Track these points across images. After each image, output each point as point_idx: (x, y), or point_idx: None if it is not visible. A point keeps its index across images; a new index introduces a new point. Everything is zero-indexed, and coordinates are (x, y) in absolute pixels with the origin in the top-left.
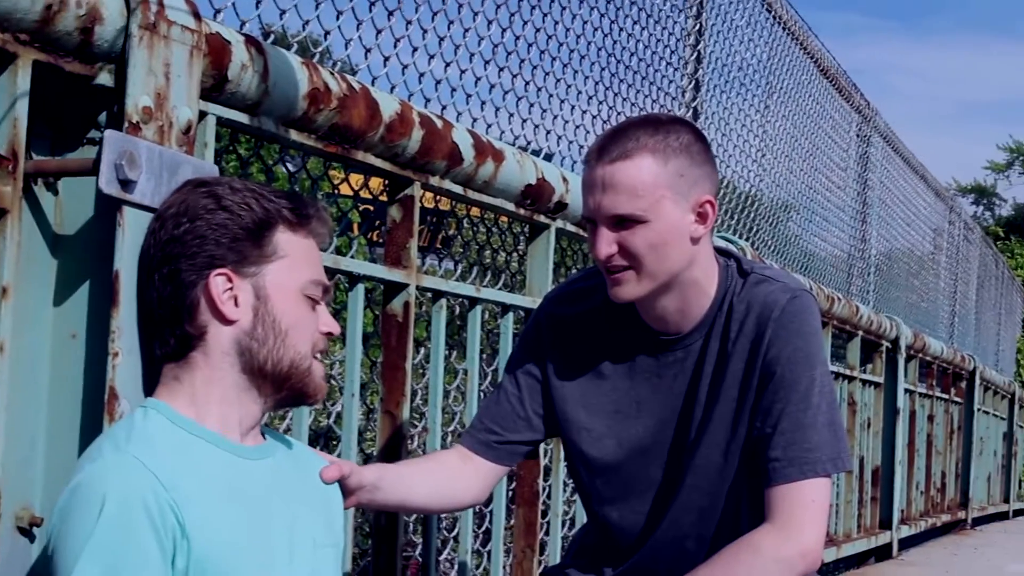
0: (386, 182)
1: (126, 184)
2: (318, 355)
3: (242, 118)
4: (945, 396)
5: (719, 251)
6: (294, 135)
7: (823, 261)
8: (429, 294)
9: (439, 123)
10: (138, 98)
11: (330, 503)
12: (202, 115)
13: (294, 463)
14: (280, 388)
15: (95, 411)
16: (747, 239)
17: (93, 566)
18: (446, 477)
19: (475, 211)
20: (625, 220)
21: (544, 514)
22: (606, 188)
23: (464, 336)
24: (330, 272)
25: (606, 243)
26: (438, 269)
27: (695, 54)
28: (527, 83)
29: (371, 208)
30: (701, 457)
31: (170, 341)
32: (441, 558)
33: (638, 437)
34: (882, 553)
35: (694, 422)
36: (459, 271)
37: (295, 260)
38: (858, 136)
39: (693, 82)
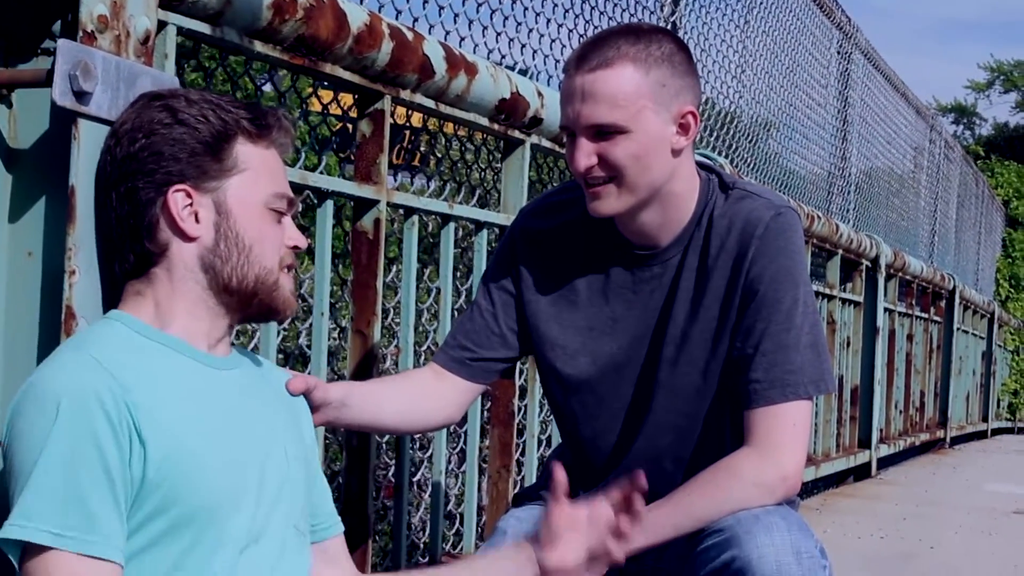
0: (356, 96)
1: (81, 96)
2: (285, 269)
3: (204, 28)
4: (925, 315)
5: (700, 165)
6: (259, 47)
7: (803, 179)
8: (401, 211)
9: (410, 35)
10: (93, 6)
11: (298, 416)
12: (161, 25)
13: (262, 377)
14: (247, 304)
15: (53, 331)
16: (727, 156)
17: (52, 467)
18: (418, 395)
19: (449, 127)
20: (605, 131)
21: (520, 434)
22: (586, 97)
23: (438, 254)
24: (297, 188)
25: (585, 154)
26: (411, 186)
27: None
28: None
29: (349, 128)
30: (678, 376)
31: (129, 258)
32: (415, 479)
33: (612, 354)
34: (861, 472)
35: (669, 340)
36: (432, 188)
37: (257, 173)
38: (839, 53)
39: None
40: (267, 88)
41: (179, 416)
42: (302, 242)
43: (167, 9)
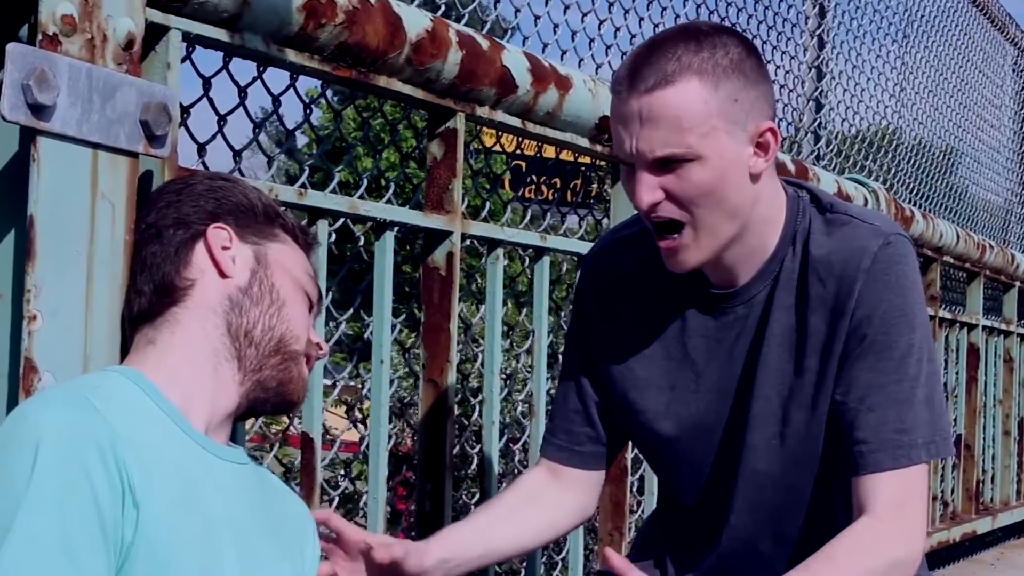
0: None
1: (40, 110)
2: (305, 358)
3: (218, 34)
4: None
5: (788, 182)
6: (292, 56)
7: (974, 206)
8: (485, 245)
9: (484, 44)
10: (55, 5)
11: (303, 542)
12: (162, 30)
13: (263, 491)
14: (263, 366)
15: (14, 386)
16: (884, 181)
17: (37, 524)
18: (533, 512)
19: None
20: (670, 161)
21: (637, 490)
22: (644, 123)
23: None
24: (353, 218)
25: (648, 189)
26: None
27: None
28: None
29: (522, 165)
30: (771, 438)
31: (145, 290)
32: None
33: (699, 415)
34: None
35: (759, 395)
36: (528, 217)
37: (296, 253)
38: (1014, 71)
39: (817, 6)
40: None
41: (171, 501)
42: (325, 348)
43: (166, 11)
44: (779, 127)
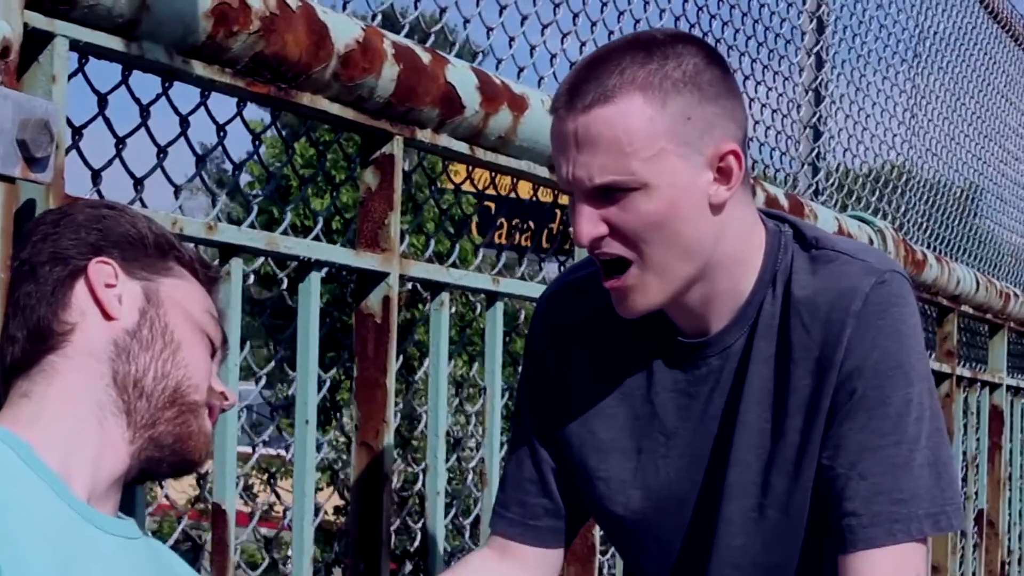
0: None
1: None
2: (207, 410)
3: (112, 43)
4: None
5: (767, 214)
6: (199, 69)
7: (997, 249)
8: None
9: (425, 57)
10: None
11: None
12: (48, 37)
13: (159, 572)
14: (156, 421)
15: None
16: (894, 220)
17: None
18: None
19: None
20: (612, 190)
21: (603, 570)
22: (581, 146)
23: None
24: (273, 257)
25: (588, 222)
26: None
27: None
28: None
29: (491, 206)
30: (751, 510)
31: (18, 337)
32: None
33: (669, 484)
34: None
35: (737, 460)
36: (480, 258)
37: (195, 289)
38: None
39: (815, 21)
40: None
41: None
42: (232, 397)
43: (51, 15)
44: (772, 157)
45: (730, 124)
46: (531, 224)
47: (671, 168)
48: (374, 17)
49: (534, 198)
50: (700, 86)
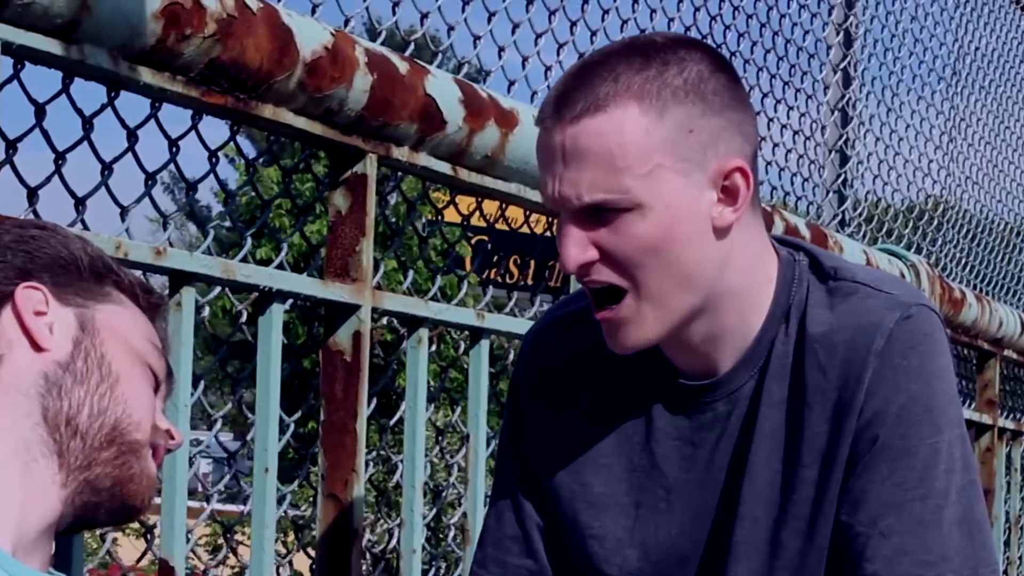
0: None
1: None
2: (151, 450)
3: (49, 46)
4: None
5: (781, 241)
6: (148, 76)
7: None
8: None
9: (402, 66)
10: None
11: None
12: None
13: None
14: (92, 463)
15: None
16: (929, 255)
17: None
18: None
19: None
20: (603, 210)
21: None
22: (569, 160)
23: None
24: (230, 286)
25: (576, 246)
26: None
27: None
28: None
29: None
30: (762, 570)
31: None
32: None
33: (671, 542)
34: None
35: (746, 515)
36: (464, 292)
37: (135, 317)
38: None
39: (841, 33)
40: None
41: None
42: (179, 437)
43: None
44: (793, 183)
45: (737, 138)
46: (531, 260)
47: (669, 186)
48: (347, 23)
49: (532, 232)
50: (704, 95)
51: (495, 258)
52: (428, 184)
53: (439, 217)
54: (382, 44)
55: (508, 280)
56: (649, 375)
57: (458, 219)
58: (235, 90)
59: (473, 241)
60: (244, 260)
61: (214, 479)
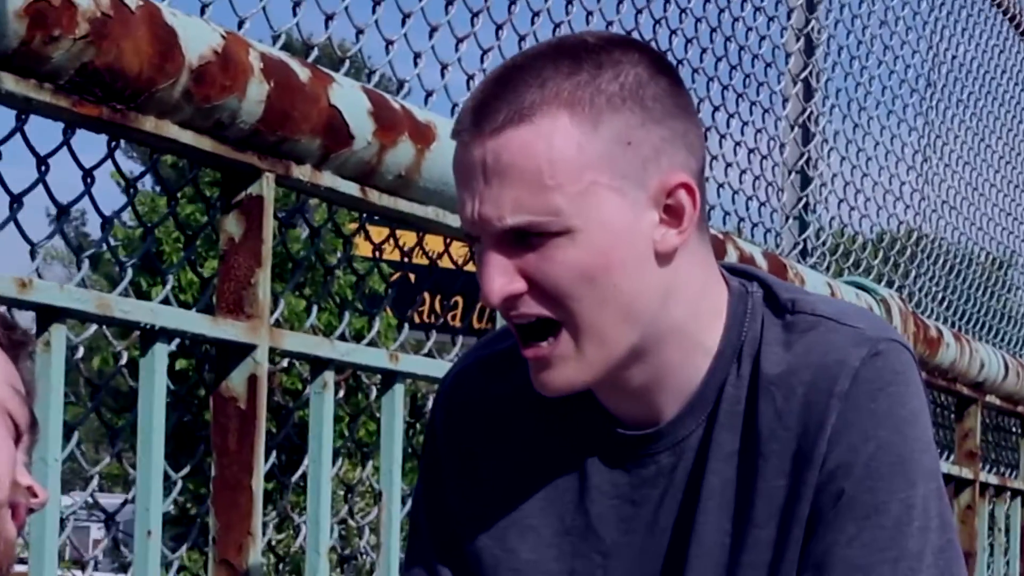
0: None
1: None
2: (10, 509)
3: None
4: None
5: (731, 269)
6: (10, 83)
7: None
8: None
9: (303, 73)
10: None
11: None
12: None
13: None
14: None
15: None
16: (901, 288)
17: None
18: None
19: None
20: (529, 233)
21: None
22: (490, 178)
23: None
24: (107, 323)
25: (499, 274)
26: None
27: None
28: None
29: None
30: None
31: None
32: None
33: None
34: None
35: None
36: (376, 329)
37: None
38: None
39: (802, 39)
40: None
41: None
42: (41, 493)
43: None
44: (748, 208)
45: (681, 151)
46: (459, 300)
47: (605, 206)
48: (241, 25)
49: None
50: (643, 103)
51: (416, 297)
52: (335, 208)
53: (347, 245)
54: (281, 50)
55: (428, 319)
56: (583, 424)
57: (370, 248)
58: (111, 100)
59: (394, 278)
60: (125, 294)
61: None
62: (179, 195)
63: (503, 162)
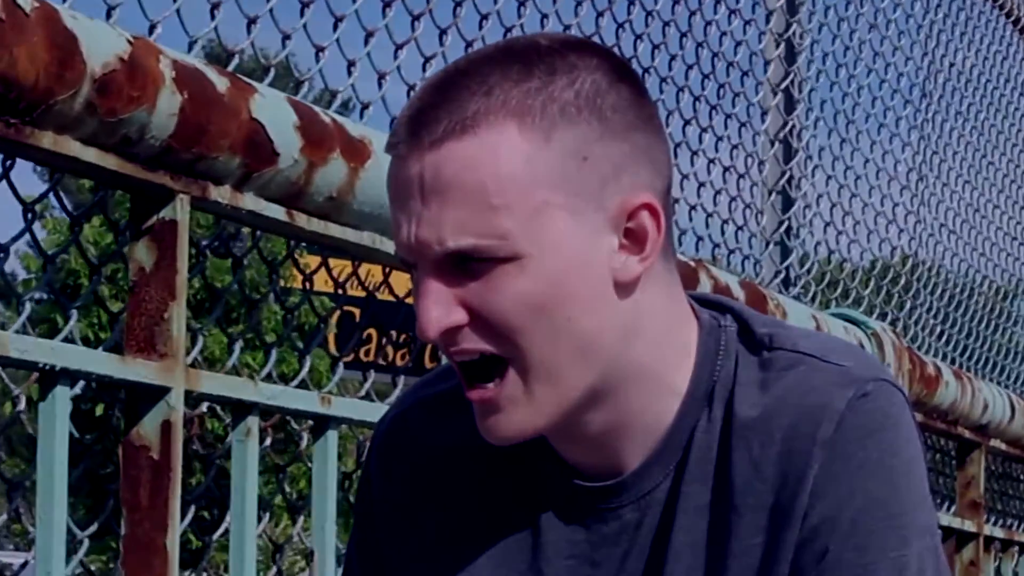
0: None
1: None
2: None
3: None
4: None
5: (703, 301)
6: None
7: None
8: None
9: (221, 83)
10: None
11: None
12: None
13: None
14: None
15: None
16: (895, 321)
17: None
18: None
19: None
20: (472, 259)
21: None
22: (428, 196)
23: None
24: (8, 364)
25: (439, 305)
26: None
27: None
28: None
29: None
30: None
31: None
32: None
33: None
34: None
35: None
36: (307, 367)
37: None
38: None
39: (782, 45)
40: None
41: None
42: None
43: None
44: (724, 233)
45: (644, 168)
46: (405, 337)
47: (558, 229)
48: (152, 29)
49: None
50: (602, 114)
51: (354, 334)
52: (259, 234)
53: (273, 275)
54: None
55: (365, 358)
56: (536, 475)
57: (299, 279)
58: (4, 113)
59: (335, 318)
60: (22, 332)
61: None
62: (95, 221)
63: (443, 178)
